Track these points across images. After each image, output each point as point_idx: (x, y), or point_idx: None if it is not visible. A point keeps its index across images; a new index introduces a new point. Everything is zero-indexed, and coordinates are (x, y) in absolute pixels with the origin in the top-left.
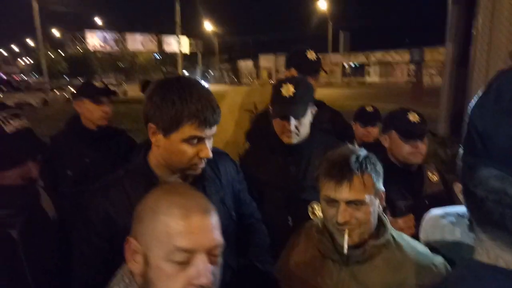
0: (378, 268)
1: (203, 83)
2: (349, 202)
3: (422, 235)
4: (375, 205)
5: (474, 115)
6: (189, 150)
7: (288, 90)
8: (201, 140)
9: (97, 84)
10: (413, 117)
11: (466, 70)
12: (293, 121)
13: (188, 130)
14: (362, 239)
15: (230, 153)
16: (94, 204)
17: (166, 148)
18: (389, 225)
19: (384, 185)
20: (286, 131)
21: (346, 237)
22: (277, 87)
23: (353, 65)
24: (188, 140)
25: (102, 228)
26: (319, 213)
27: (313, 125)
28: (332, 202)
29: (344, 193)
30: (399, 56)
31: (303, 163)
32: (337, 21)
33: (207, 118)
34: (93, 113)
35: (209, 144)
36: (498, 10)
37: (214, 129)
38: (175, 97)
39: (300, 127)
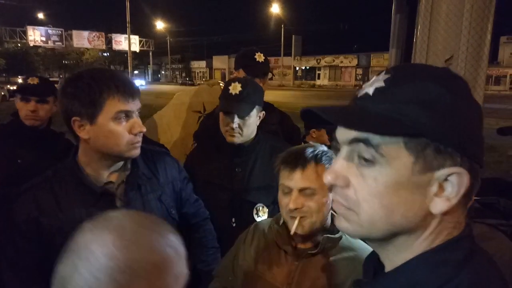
0: (329, 263)
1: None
2: (301, 190)
3: None
4: (329, 198)
5: None
6: (120, 129)
7: (235, 88)
8: (129, 115)
9: (31, 80)
10: None
11: None
12: (236, 119)
13: (112, 106)
14: (314, 229)
15: (178, 154)
16: (19, 205)
17: (98, 135)
18: None
19: None
20: (229, 129)
21: (296, 222)
22: (226, 85)
23: (304, 68)
24: (116, 118)
25: (26, 229)
26: (264, 215)
27: (260, 127)
28: (287, 190)
29: (296, 180)
30: (348, 61)
31: (249, 165)
32: (290, 25)
33: (127, 89)
34: (21, 112)
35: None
36: (435, 21)
37: (138, 103)
38: (89, 80)
39: (243, 127)
